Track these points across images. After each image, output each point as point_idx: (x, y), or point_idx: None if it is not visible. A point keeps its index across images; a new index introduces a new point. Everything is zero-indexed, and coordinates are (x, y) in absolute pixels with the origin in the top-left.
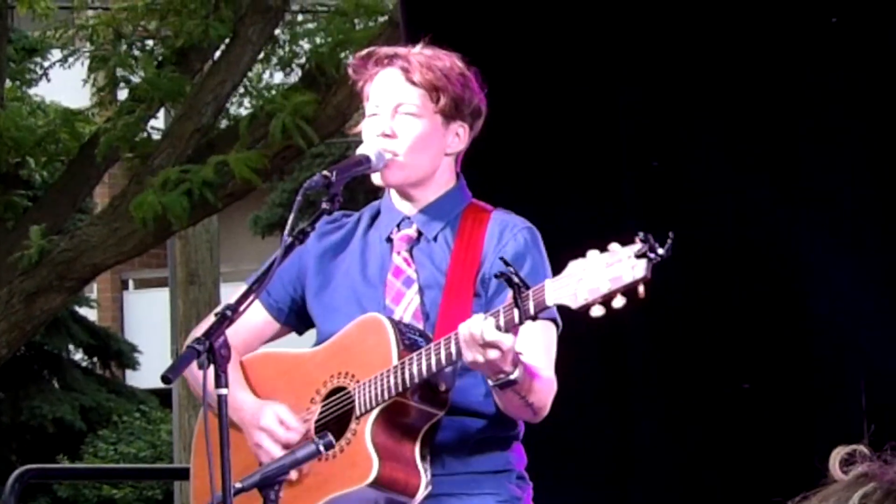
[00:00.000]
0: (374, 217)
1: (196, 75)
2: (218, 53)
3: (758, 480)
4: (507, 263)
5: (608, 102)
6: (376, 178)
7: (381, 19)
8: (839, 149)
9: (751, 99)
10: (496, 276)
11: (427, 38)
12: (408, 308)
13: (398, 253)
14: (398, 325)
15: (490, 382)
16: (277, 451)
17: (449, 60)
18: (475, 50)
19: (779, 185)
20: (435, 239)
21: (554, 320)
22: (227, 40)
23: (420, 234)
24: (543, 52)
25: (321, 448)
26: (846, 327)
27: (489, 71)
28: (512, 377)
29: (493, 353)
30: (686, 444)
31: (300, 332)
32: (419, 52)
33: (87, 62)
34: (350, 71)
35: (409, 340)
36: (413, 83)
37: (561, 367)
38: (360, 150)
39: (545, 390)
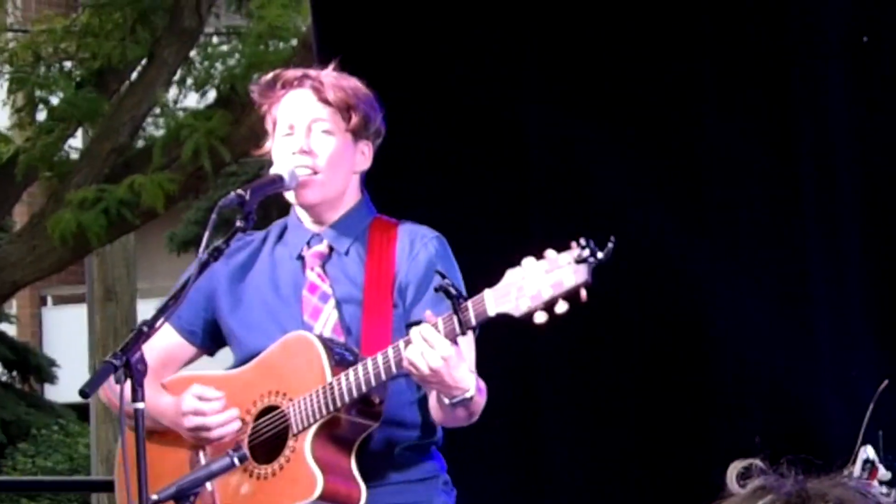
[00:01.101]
0: (281, 235)
1: (113, 96)
2: (134, 75)
3: (658, 494)
4: (442, 276)
5: (515, 124)
6: (291, 197)
7: (294, 42)
8: (738, 176)
9: (654, 123)
10: (435, 290)
11: (337, 61)
12: (327, 323)
13: (311, 269)
14: (326, 342)
15: (446, 401)
16: (216, 424)
17: (355, 81)
18: (387, 70)
19: (680, 210)
20: (347, 253)
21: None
22: (143, 62)
23: (331, 249)
24: (454, 72)
25: (235, 461)
26: (744, 345)
27: (400, 90)
28: (468, 395)
29: (438, 362)
30: (591, 457)
31: (212, 354)
32: (328, 73)
33: (6, 84)
34: (255, 94)
35: (339, 356)
36: (325, 102)
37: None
38: (273, 170)
39: (484, 399)
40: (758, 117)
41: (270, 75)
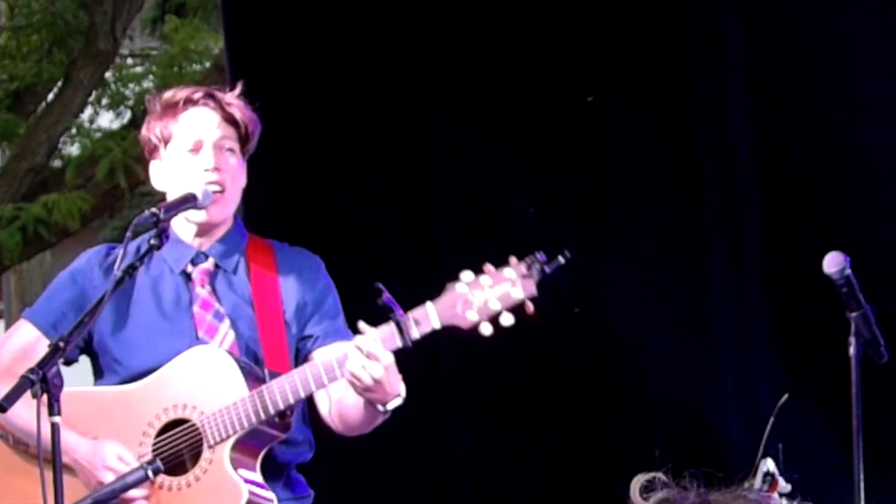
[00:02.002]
0: (149, 251)
1: (30, 116)
2: (51, 95)
3: None
4: (380, 291)
5: (421, 146)
6: (198, 215)
7: (207, 64)
8: (641, 193)
9: (558, 142)
10: (381, 305)
11: (242, 83)
12: (224, 340)
13: (202, 286)
14: (235, 357)
15: (380, 408)
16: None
17: (248, 105)
18: (298, 92)
19: (584, 227)
20: (234, 271)
21: None
22: (59, 83)
23: (217, 266)
24: (363, 95)
25: (149, 473)
26: (647, 359)
27: (310, 113)
28: (400, 399)
29: (378, 370)
30: (496, 470)
31: (68, 364)
32: (230, 94)
33: None
34: (156, 107)
35: (248, 369)
36: (230, 122)
37: None
38: (184, 188)
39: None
40: (660, 136)
41: (170, 92)
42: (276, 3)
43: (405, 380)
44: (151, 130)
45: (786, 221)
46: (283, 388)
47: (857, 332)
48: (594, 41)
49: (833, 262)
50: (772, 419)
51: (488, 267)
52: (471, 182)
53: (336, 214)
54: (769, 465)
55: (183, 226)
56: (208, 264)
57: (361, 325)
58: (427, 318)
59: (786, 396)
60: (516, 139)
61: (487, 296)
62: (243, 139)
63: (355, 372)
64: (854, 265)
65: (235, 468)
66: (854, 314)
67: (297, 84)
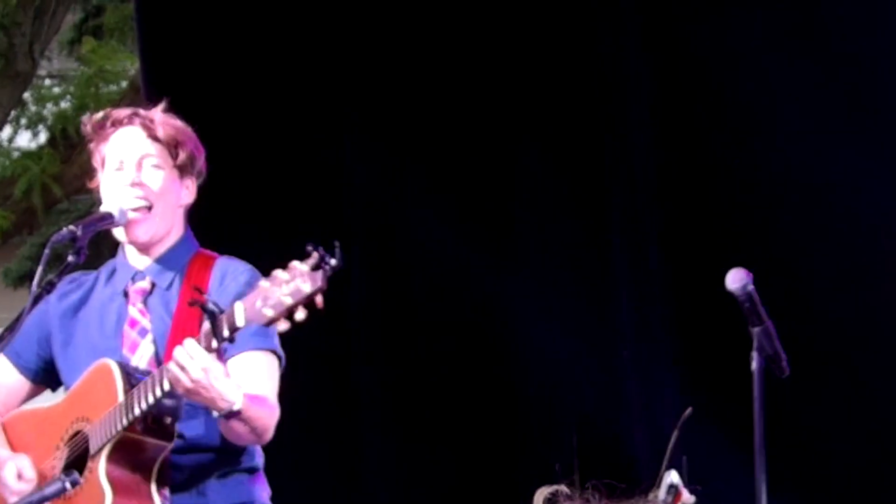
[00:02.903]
0: (111, 274)
1: None
2: None
3: None
4: (200, 292)
5: (333, 162)
6: (120, 235)
7: (124, 84)
8: (548, 212)
9: (468, 162)
10: (189, 304)
11: (165, 101)
12: (143, 356)
13: (134, 305)
14: (126, 368)
15: (215, 415)
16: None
17: (180, 121)
18: (211, 111)
19: (491, 246)
20: (169, 288)
21: (274, 352)
22: None
23: (154, 285)
24: (276, 112)
25: (67, 485)
26: (554, 374)
27: (224, 131)
28: (235, 408)
29: (198, 373)
30: (405, 479)
31: (53, 389)
32: (157, 112)
33: None
34: (87, 130)
35: (137, 380)
36: (155, 139)
37: (294, 394)
38: (103, 207)
39: (267, 416)
40: (566, 155)
41: (101, 113)
42: (189, 24)
43: (317, 389)
44: (91, 154)
45: (688, 239)
46: (140, 395)
47: (760, 346)
48: (506, 63)
49: (735, 279)
50: (676, 432)
51: (292, 263)
52: (381, 196)
53: (250, 225)
54: (673, 477)
55: (129, 245)
56: (145, 283)
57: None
58: (233, 316)
59: (689, 410)
60: (427, 155)
61: (282, 292)
62: (173, 155)
63: (174, 374)
64: (756, 281)
65: (113, 477)
66: (756, 329)
67: (211, 103)
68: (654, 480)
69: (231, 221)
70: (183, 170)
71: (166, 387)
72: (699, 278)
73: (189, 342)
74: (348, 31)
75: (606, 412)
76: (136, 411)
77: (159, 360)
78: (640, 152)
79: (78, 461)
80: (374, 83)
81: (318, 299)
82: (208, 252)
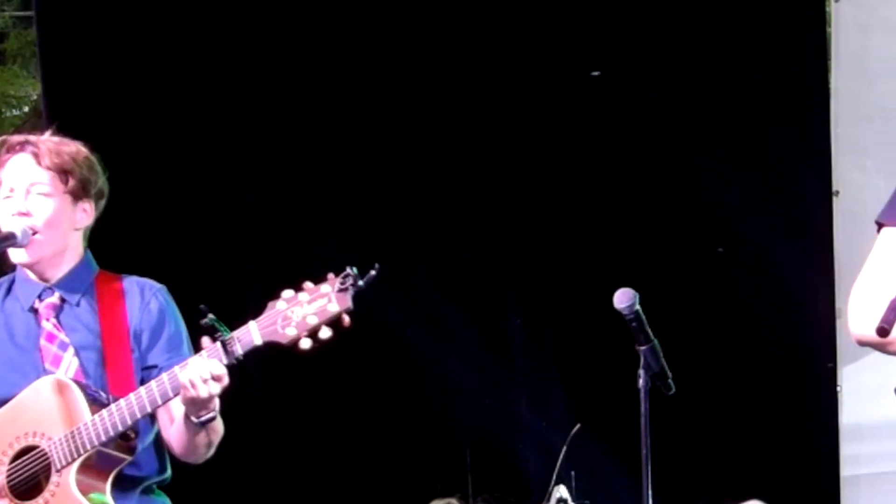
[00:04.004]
0: (9, 289)
1: None
2: None
3: None
4: (206, 312)
5: (235, 185)
6: (15, 255)
7: (26, 108)
8: (442, 237)
9: (364, 186)
10: (203, 325)
11: (55, 126)
12: (68, 369)
13: (47, 320)
14: (80, 384)
15: (193, 420)
16: None
17: (75, 146)
18: (113, 134)
19: (391, 271)
20: (78, 304)
21: None
22: None
23: (63, 301)
24: (176, 134)
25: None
26: (450, 392)
27: (125, 153)
28: (213, 413)
29: (216, 387)
30: (301, 496)
31: None
32: (48, 139)
33: None
34: None
35: (93, 396)
36: (43, 166)
37: None
38: (5, 228)
39: (220, 429)
40: (455, 180)
41: (2, 139)
42: (91, 49)
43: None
44: None
45: (576, 260)
46: (122, 411)
47: (646, 364)
48: (399, 91)
49: (623, 298)
50: (564, 448)
51: (307, 284)
52: (281, 218)
53: (151, 249)
54: (562, 491)
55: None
56: (54, 298)
57: (204, 339)
58: (249, 335)
59: (578, 426)
60: (324, 181)
61: (306, 311)
62: (63, 181)
63: (194, 382)
64: (642, 301)
65: (84, 491)
66: (643, 348)
67: (112, 127)
68: (543, 494)
69: (132, 242)
70: (76, 195)
71: (148, 409)
72: (587, 298)
73: (203, 360)
74: (247, 55)
75: (498, 428)
76: (119, 428)
77: (85, 372)
78: (530, 175)
79: (32, 476)
80: (273, 109)
81: (346, 319)
82: (109, 272)
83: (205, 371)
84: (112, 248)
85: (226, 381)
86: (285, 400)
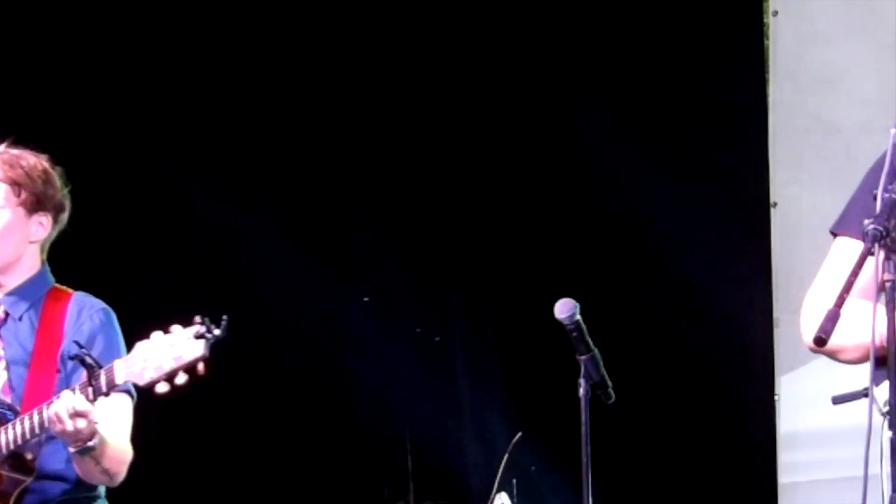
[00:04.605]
0: None
1: None
2: None
3: None
4: (80, 346)
5: (181, 203)
6: None
7: None
8: (380, 243)
9: (304, 200)
10: (70, 358)
11: (11, 139)
12: None
13: None
14: None
15: (71, 450)
16: None
17: (33, 160)
18: (66, 148)
19: (335, 286)
20: (20, 319)
21: (129, 392)
22: None
23: (7, 314)
24: (127, 151)
25: None
26: (393, 399)
27: (79, 168)
28: (90, 444)
29: (81, 423)
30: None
31: None
32: (4, 152)
33: None
34: None
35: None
36: None
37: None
38: None
39: (118, 458)
40: (399, 191)
41: None
42: (37, 62)
43: (156, 412)
44: None
45: (518, 271)
46: (9, 433)
47: (587, 373)
48: (344, 98)
49: (563, 309)
50: (506, 456)
51: (174, 327)
52: (225, 236)
53: (101, 265)
54: (503, 498)
55: None
56: None
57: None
58: (112, 373)
59: (519, 435)
60: (272, 194)
61: (165, 356)
62: (16, 193)
63: (60, 416)
64: (582, 311)
65: None
66: (583, 357)
67: (65, 139)
68: (485, 501)
69: (85, 257)
70: (29, 207)
71: (34, 429)
72: (529, 308)
73: (71, 395)
74: (189, 72)
75: (441, 436)
76: (3, 450)
77: (12, 386)
78: (472, 187)
79: None
80: (216, 116)
81: (201, 367)
82: (63, 288)
83: (70, 406)
84: (64, 263)
85: (92, 416)
86: (230, 410)
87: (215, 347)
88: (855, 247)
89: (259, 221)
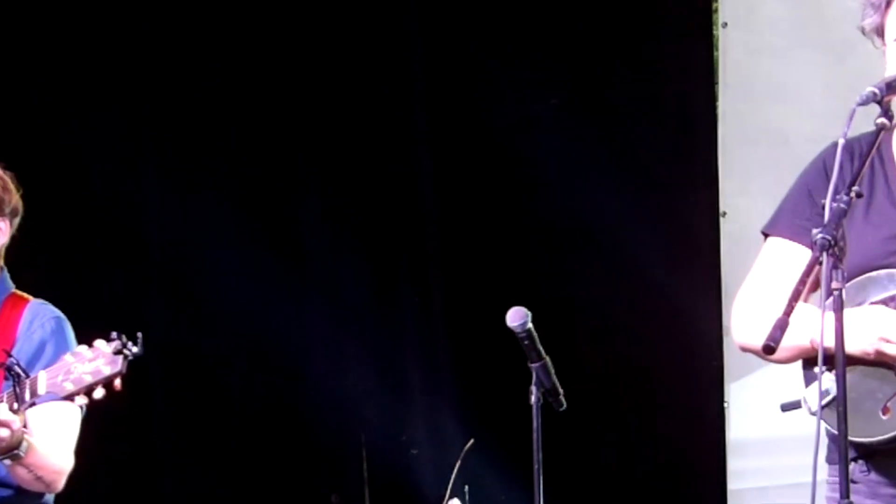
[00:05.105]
0: None
1: None
2: None
3: None
4: (8, 354)
5: (136, 210)
6: None
7: None
8: (336, 254)
9: (259, 207)
10: (3, 366)
11: None
12: None
13: None
14: None
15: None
16: None
17: None
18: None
19: (292, 290)
20: None
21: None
22: None
23: None
24: (80, 157)
25: None
26: (346, 406)
27: (27, 167)
28: (16, 452)
29: (4, 432)
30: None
31: None
32: None
33: None
34: None
35: None
36: None
37: (90, 417)
38: None
39: (52, 467)
40: (356, 198)
41: None
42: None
43: (112, 416)
44: None
45: (470, 278)
46: None
47: (538, 381)
48: (298, 100)
49: (515, 317)
50: (458, 462)
51: (97, 342)
52: (178, 239)
53: (52, 271)
54: None
55: None
56: None
57: None
58: (36, 384)
59: (471, 442)
60: (227, 198)
61: (84, 369)
62: None
63: None
64: (534, 319)
65: None
66: (535, 365)
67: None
68: None
69: (36, 264)
70: None
71: None
72: (481, 316)
73: None
74: (146, 69)
75: (393, 443)
76: None
77: None
78: (426, 195)
79: None
80: (167, 118)
81: (117, 382)
82: (22, 295)
83: None
84: (19, 271)
85: (15, 426)
86: (182, 415)
87: (162, 356)
88: (785, 247)
89: (212, 226)
